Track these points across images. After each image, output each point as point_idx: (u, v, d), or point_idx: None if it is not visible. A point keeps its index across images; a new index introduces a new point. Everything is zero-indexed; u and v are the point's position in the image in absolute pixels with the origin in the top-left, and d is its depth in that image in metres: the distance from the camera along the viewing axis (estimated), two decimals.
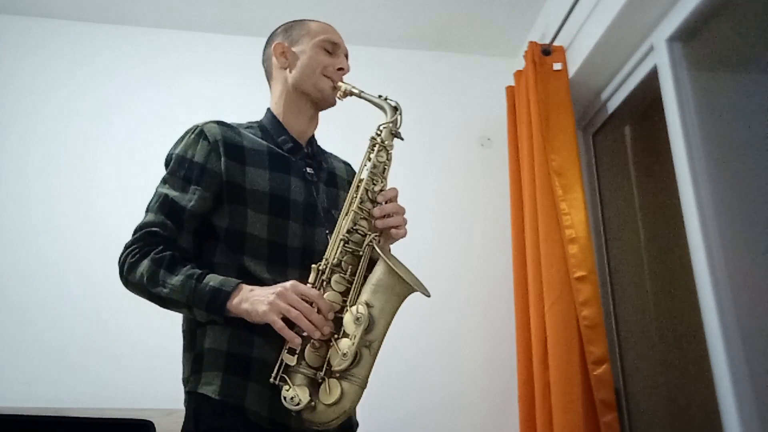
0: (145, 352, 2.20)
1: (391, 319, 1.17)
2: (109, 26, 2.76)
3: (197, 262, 1.20)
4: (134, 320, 2.20)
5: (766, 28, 1.69)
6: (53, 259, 2.35)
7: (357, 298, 1.17)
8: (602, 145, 2.52)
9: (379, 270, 1.18)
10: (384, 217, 1.27)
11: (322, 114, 1.45)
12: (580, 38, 2.31)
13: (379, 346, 1.15)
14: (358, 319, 1.12)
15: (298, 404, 1.08)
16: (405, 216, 1.31)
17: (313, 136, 1.45)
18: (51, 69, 2.66)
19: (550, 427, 1.97)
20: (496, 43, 2.87)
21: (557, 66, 2.36)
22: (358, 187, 1.29)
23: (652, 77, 2.06)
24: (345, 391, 1.10)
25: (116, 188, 2.49)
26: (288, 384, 1.10)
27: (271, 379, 1.10)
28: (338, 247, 1.21)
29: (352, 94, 1.37)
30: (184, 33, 2.79)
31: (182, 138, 1.31)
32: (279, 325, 1.09)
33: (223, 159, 1.24)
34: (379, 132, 1.36)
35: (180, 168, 1.26)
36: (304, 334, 1.11)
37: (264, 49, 1.48)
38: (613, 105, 2.39)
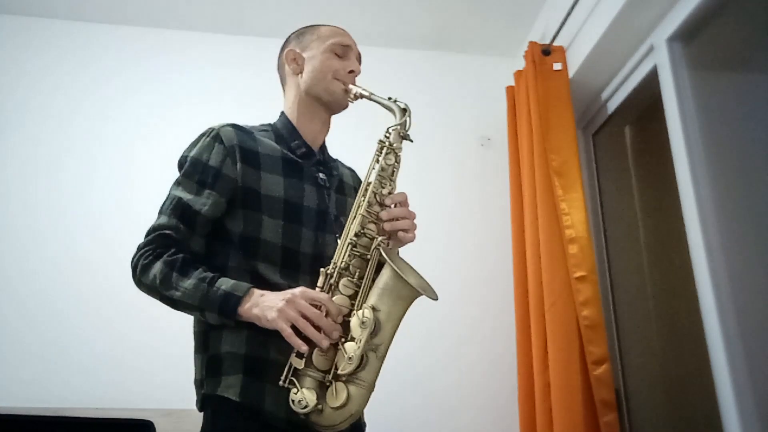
0: (146, 352, 2.20)
1: (398, 323, 1.17)
2: (110, 26, 2.76)
3: (210, 265, 1.20)
4: (135, 321, 2.21)
5: (766, 28, 1.69)
6: (55, 260, 2.35)
7: (364, 302, 1.18)
8: (602, 145, 2.52)
9: (385, 274, 1.18)
10: (392, 220, 1.27)
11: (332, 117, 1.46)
12: (580, 38, 2.31)
13: (386, 350, 1.15)
14: (363, 323, 1.12)
15: (305, 407, 1.08)
16: (415, 221, 1.31)
17: (324, 142, 1.46)
18: (53, 69, 2.66)
19: (550, 427, 1.97)
20: (496, 43, 2.87)
21: (557, 66, 2.36)
22: (366, 190, 1.29)
23: (652, 77, 2.07)
24: (352, 394, 1.10)
25: (119, 188, 2.49)
26: (296, 387, 1.10)
27: (280, 383, 1.11)
28: (346, 251, 1.22)
29: (362, 96, 1.37)
30: (184, 33, 2.79)
31: (197, 140, 1.31)
32: (287, 332, 1.10)
33: (239, 164, 1.25)
34: (387, 135, 1.36)
35: (195, 171, 1.26)
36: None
37: (278, 56, 1.49)
38: (613, 105, 2.39)
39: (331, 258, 1.22)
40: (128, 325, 2.23)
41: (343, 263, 1.20)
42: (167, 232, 1.20)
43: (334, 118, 1.47)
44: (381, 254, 1.21)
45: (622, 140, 2.39)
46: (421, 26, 2.79)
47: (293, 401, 1.09)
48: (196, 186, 1.24)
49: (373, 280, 1.20)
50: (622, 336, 2.25)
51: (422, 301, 1.24)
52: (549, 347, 2.04)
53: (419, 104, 2.68)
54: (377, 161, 1.33)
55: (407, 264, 1.24)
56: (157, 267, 1.16)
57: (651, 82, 2.08)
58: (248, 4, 2.67)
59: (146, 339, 2.20)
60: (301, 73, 1.41)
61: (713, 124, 1.85)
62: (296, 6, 2.65)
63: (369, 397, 1.14)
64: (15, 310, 2.26)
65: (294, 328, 1.10)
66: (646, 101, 2.21)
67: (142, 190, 2.41)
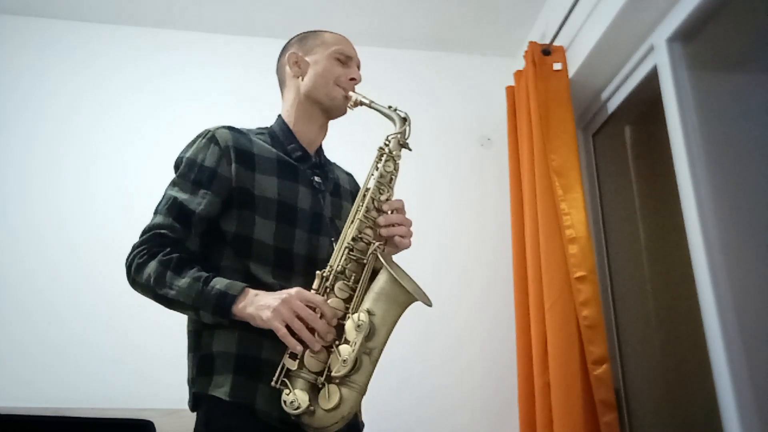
0: (146, 352, 2.21)
1: (393, 327, 1.18)
2: (110, 26, 2.76)
3: (204, 265, 1.21)
4: (135, 320, 2.21)
5: (766, 28, 1.70)
6: (55, 259, 2.35)
7: (359, 305, 1.19)
8: (602, 145, 2.52)
9: (381, 279, 1.20)
10: (389, 226, 1.29)
11: (330, 122, 1.47)
12: (580, 38, 2.31)
13: (380, 354, 1.16)
14: (359, 326, 1.13)
15: (297, 408, 1.09)
16: (411, 228, 1.33)
17: (321, 145, 1.47)
18: (52, 69, 2.66)
19: (550, 427, 1.97)
20: (496, 43, 2.87)
21: (557, 66, 2.36)
22: (364, 196, 1.31)
23: (652, 77, 2.06)
24: (344, 397, 1.11)
25: (118, 187, 2.49)
26: (288, 388, 1.11)
27: (273, 383, 1.12)
28: (343, 255, 1.23)
29: (362, 104, 1.39)
30: (184, 33, 2.79)
31: (193, 142, 1.32)
32: (282, 332, 1.11)
33: (233, 165, 1.26)
34: (387, 142, 1.38)
35: (190, 171, 1.27)
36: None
37: (278, 58, 1.50)
38: (613, 105, 2.39)
39: (326, 260, 1.24)
40: (128, 324, 2.23)
41: (339, 266, 1.21)
42: (163, 231, 1.21)
43: (335, 124, 1.48)
44: (378, 259, 1.22)
45: (622, 140, 2.39)
46: (421, 26, 2.79)
47: (285, 402, 1.10)
48: (192, 186, 1.25)
49: (369, 285, 1.21)
50: (622, 336, 2.25)
51: (420, 303, 1.24)
52: (549, 347, 2.04)
53: (419, 104, 2.71)
54: (376, 168, 1.35)
55: (402, 270, 1.26)
56: (152, 266, 1.17)
57: (651, 82, 2.08)
58: (248, 4, 2.67)
59: (146, 339, 2.21)
60: (302, 76, 1.42)
61: (713, 124, 1.85)
62: (296, 6, 2.64)
63: (361, 400, 1.15)
64: (15, 310, 2.27)
65: (288, 328, 1.11)
66: (646, 101, 2.21)
67: (142, 190, 2.40)
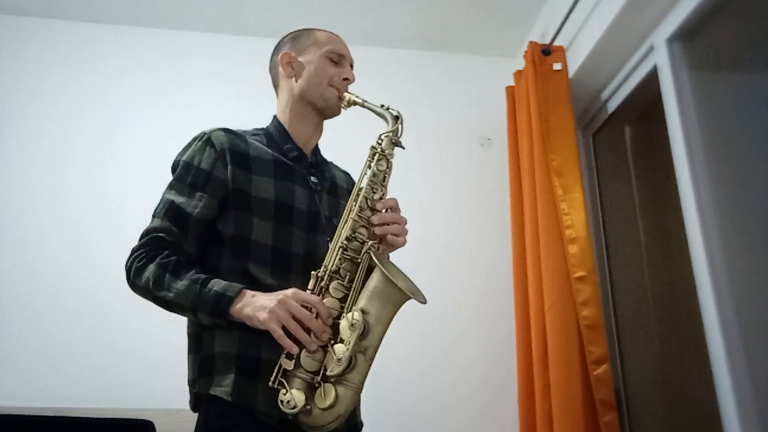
0: (146, 352, 2.21)
1: (387, 326, 1.19)
2: (110, 26, 2.76)
3: (202, 267, 1.22)
4: (135, 321, 2.21)
5: (766, 28, 1.69)
6: (57, 260, 2.36)
7: (354, 304, 1.19)
8: (602, 145, 2.52)
9: (375, 278, 1.20)
10: (383, 224, 1.29)
11: (326, 122, 1.47)
12: (580, 38, 2.31)
13: (375, 352, 1.17)
14: (353, 325, 1.14)
15: (294, 407, 1.10)
16: (406, 227, 1.33)
17: (316, 145, 1.47)
18: (53, 69, 2.67)
19: (550, 427, 1.97)
20: (496, 43, 2.87)
21: (557, 66, 2.36)
22: (357, 195, 1.31)
23: (652, 77, 2.06)
24: (340, 395, 1.12)
25: (126, 187, 2.49)
26: (285, 388, 1.12)
27: (270, 383, 1.13)
28: (337, 255, 1.23)
29: (355, 103, 1.39)
30: (184, 33, 2.79)
31: (189, 145, 1.33)
32: (278, 333, 1.12)
33: (229, 167, 1.27)
34: (380, 141, 1.38)
35: (186, 174, 1.28)
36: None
37: (271, 58, 1.50)
38: (613, 105, 2.39)
39: (323, 259, 1.24)
40: (129, 325, 2.24)
41: (334, 266, 1.22)
42: (160, 234, 1.22)
43: (330, 123, 1.48)
44: (371, 258, 1.23)
45: (622, 140, 2.39)
46: (421, 26, 2.79)
47: (282, 401, 1.11)
48: (188, 189, 1.26)
49: (363, 284, 1.22)
50: (622, 336, 2.25)
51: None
52: (549, 347, 2.04)
53: (419, 104, 2.71)
54: (369, 167, 1.35)
55: (397, 268, 1.26)
56: (150, 269, 1.19)
57: (651, 82, 2.08)
58: (248, 4, 2.67)
59: (147, 339, 2.21)
60: (295, 77, 1.42)
61: (713, 124, 1.85)
62: (296, 6, 2.65)
63: (357, 398, 1.16)
64: (15, 310, 2.27)
65: (285, 329, 1.12)
66: (646, 101, 2.20)
67: (147, 190, 2.40)
